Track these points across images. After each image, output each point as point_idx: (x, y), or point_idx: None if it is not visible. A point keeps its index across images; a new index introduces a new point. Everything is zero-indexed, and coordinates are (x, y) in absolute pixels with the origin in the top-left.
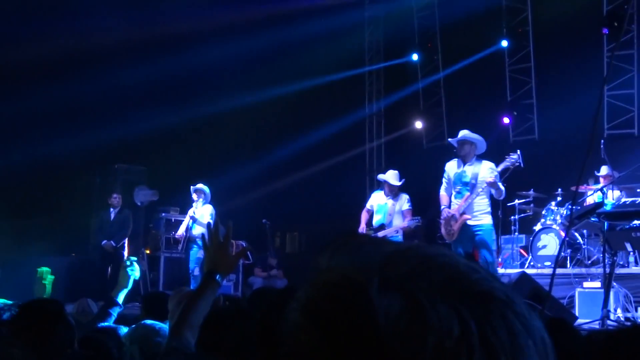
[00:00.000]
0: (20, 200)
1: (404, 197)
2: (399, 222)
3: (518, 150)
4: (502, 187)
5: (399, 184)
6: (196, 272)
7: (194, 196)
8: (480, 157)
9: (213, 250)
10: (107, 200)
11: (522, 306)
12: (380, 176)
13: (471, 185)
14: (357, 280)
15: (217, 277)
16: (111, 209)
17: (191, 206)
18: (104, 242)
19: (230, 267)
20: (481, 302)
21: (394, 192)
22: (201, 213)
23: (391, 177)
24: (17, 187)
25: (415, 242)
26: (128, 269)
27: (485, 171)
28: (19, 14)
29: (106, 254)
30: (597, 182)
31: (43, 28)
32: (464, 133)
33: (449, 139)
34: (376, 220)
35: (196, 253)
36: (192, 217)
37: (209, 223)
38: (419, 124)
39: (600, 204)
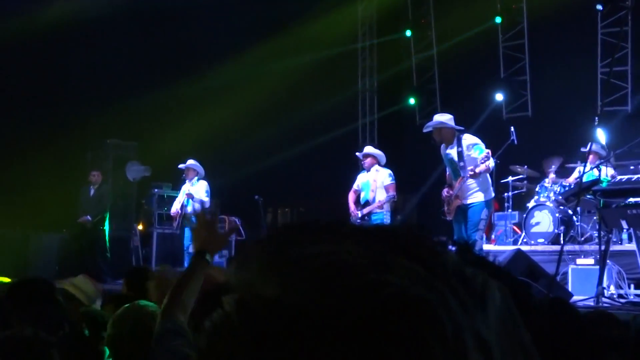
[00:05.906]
0: (11, 176)
1: (385, 172)
2: (382, 197)
3: (512, 127)
4: (486, 166)
5: (373, 151)
6: (191, 249)
7: (187, 174)
8: (462, 131)
9: (201, 229)
10: (87, 177)
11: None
12: (357, 154)
13: (460, 166)
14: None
15: (207, 256)
16: (91, 186)
17: (184, 182)
18: (81, 218)
19: (219, 245)
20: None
21: (372, 167)
22: (196, 189)
23: (367, 149)
24: (8, 163)
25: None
26: None
27: (470, 149)
28: None
29: (85, 230)
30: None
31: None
32: (435, 119)
33: (425, 128)
34: (362, 197)
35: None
36: (188, 194)
37: (201, 200)
38: (412, 100)
39: (597, 181)
